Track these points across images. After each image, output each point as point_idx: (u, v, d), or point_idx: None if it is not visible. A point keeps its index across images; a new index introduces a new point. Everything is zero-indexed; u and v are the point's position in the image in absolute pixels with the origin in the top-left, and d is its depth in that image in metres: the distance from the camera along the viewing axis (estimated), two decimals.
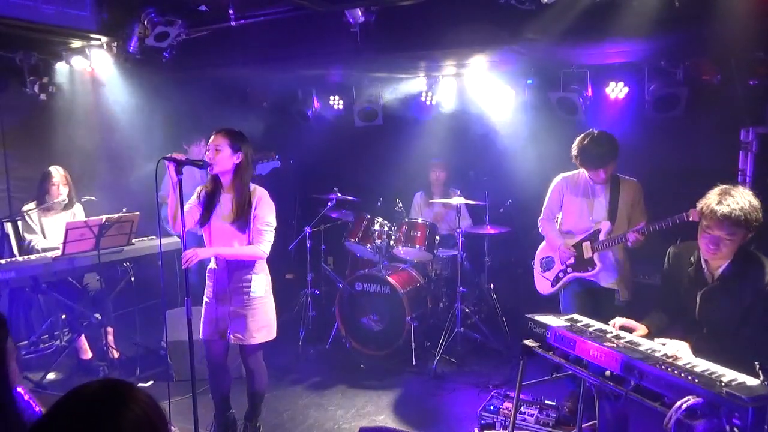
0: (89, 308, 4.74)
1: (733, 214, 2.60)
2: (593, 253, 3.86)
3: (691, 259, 2.92)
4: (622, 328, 2.94)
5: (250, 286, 3.41)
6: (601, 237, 3.83)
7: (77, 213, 4.96)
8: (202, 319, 3.50)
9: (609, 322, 2.99)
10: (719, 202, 2.65)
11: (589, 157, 3.74)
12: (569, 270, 3.98)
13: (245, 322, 3.40)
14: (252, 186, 3.43)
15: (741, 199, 2.64)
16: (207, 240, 3.47)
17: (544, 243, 4.24)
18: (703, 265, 2.88)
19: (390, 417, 4.17)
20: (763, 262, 2.75)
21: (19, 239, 4.82)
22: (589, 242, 3.88)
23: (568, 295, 4.01)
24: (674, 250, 3.06)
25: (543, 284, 4.21)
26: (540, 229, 4.18)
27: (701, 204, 2.76)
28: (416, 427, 4.02)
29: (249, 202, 3.37)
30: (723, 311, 2.79)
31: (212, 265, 3.49)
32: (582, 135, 3.81)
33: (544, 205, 4.13)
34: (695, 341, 2.74)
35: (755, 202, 2.65)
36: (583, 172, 3.92)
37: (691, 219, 3.11)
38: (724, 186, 2.74)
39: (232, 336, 3.43)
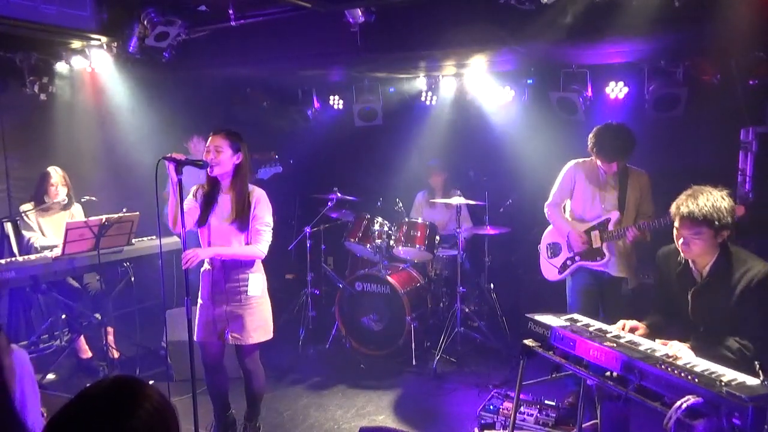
0: (89, 308, 4.74)
1: (692, 215, 2.68)
2: (602, 243, 3.86)
3: (679, 259, 2.95)
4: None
5: (246, 286, 3.40)
6: (610, 227, 3.84)
7: (75, 213, 4.94)
8: (196, 321, 3.47)
9: (616, 324, 2.99)
10: (683, 204, 2.75)
11: (605, 148, 3.76)
12: (577, 258, 3.98)
13: (242, 321, 3.39)
14: (250, 186, 3.42)
15: (704, 199, 2.69)
16: (205, 240, 3.45)
17: (550, 228, 4.22)
18: (691, 265, 2.91)
19: (390, 417, 4.17)
20: (746, 258, 2.79)
21: (19, 239, 4.82)
22: (598, 231, 3.88)
23: (575, 286, 4.00)
24: (663, 252, 3.10)
25: (549, 270, 4.19)
26: (547, 214, 4.14)
27: (672, 206, 2.84)
28: (416, 427, 4.02)
29: (248, 202, 3.37)
30: (714, 309, 2.82)
31: (206, 266, 3.47)
32: (602, 125, 3.82)
33: (554, 190, 4.09)
34: (693, 341, 2.75)
35: (722, 203, 2.68)
36: (594, 160, 3.92)
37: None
38: (695, 187, 2.80)
39: (230, 336, 3.41)
